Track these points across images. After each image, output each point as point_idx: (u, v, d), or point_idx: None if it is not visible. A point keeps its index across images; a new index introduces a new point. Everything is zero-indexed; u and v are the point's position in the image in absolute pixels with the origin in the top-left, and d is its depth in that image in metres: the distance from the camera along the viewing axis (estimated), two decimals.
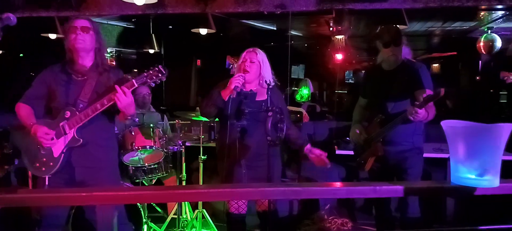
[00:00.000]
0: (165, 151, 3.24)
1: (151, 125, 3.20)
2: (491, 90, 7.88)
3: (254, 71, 2.70)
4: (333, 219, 3.62)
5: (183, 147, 3.40)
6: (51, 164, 2.45)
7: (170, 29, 7.44)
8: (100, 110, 2.41)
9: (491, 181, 1.24)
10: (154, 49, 6.71)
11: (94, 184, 2.47)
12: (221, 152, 2.70)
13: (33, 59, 7.78)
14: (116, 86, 2.35)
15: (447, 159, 3.65)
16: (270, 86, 2.52)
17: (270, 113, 2.20)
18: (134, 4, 3.60)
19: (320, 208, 3.83)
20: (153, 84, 2.43)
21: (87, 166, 2.50)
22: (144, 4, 3.74)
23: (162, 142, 3.20)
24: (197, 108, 3.43)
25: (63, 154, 2.46)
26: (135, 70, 8.19)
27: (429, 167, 3.10)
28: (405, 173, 2.86)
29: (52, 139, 2.43)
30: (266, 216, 2.70)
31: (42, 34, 5.90)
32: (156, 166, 3.21)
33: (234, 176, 2.70)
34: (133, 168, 3.20)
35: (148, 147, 3.14)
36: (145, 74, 2.39)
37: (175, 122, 3.46)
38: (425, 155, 3.03)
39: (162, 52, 7.66)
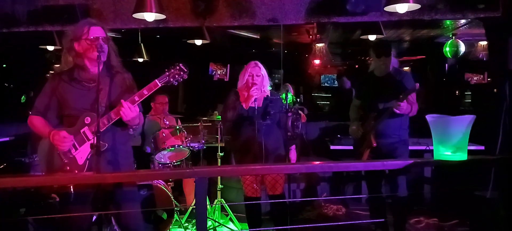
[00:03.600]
0: (190, 149, 3.65)
1: (178, 127, 3.60)
2: (457, 92, 8.59)
3: (260, 82, 3.22)
4: (329, 205, 4.08)
5: (205, 145, 3.80)
6: (76, 172, 2.36)
7: (157, 38, 7.73)
8: (115, 119, 2.38)
9: (461, 156, 1.75)
10: (143, 58, 6.99)
11: (117, 186, 2.41)
12: (243, 148, 3.17)
13: (15, 70, 7.94)
14: (122, 102, 2.33)
15: (424, 150, 4.24)
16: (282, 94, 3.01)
17: (289, 114, 2.67)
18: (137, 18, 3.91)
19: (318, 196, 4.30)
20: (176, 83, 2.44)
21: (110, 170, 2.40)
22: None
23: (187, 141, 3.60)
24: (215, 112, 3.84)
25: (88, 161, 2.38)
26: None
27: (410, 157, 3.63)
28: None
29: (73, 145, 2.36)
30: (276, 199, 3.16)
31: (40, 46, 6.13)
32: (179, 163, 3.54)
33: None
34: (160, 165, 3.55)
35: (176, 146, 3.54)
36: (167, 73, 2.40)
37: (198, 124, 3.84)
38: None
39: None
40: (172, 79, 2.41)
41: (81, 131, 2.41)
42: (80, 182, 2.02)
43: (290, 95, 6.41)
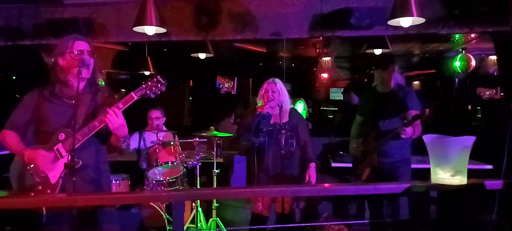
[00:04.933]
0: (185, 165, 3.57)
1: (172, 143, 3.53)
2: (469, 107, 8.41)
3: (276, 98, 3.16)
4: (330, 225, 3.96)
5: (200, 162, 3.72)
6: (49, 191, 2.27)
7: (164, 51, 7.75)
8: (99, 128, 2.31)
9: (461, 179, 1.64)
10: (150, 71, 7.00)
11: (97, 209, 2.33)
12: (247, 164, 3.12)
13: (24, 81, 8.04)
14: (107, 109, 2.25)
15: (429, 169, 4.09)
16: (282, 107, 2.96)
17: (283, 131, 2.60)
18: (138, 31, 3.90)
19: (319, 216, 4.18)
20: (153, 95, 2.34)
21: (87, 190, 2.35)
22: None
23: (181, 158, 3.54)
24: (211, 127, 3.76)
25: (61, 179, 2.30)
26: (123, 90, 8.58)
27: (413, 176, 3.49)
28: (396, 181, 3.25)
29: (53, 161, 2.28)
30: (284, 217, 3.10)
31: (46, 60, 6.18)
32: (174, 180, 3.47)
33: (257, 182, 3.13)
34: (154, 182, 3.49)
35: (170, 162, 3.47)
36: (144, 86, 2.32)
37: (193, 139, 3.75)
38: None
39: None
40: (148, 92, 2.32)
41: (55, 147, 2.34)
42: (50, 205, 1.95)
43: (304, 109, 6.35)
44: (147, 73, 6.94)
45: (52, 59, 2.44)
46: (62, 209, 2.17)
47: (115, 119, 2.25)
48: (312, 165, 3.24)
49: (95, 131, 2.33)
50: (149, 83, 2.33)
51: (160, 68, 7.73)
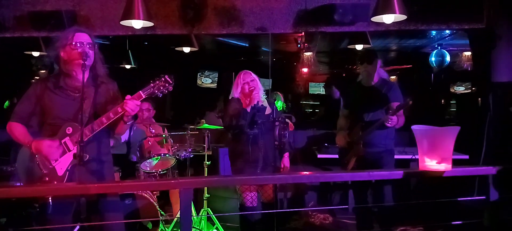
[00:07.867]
0: (177, 157, 3.61)
1: (164, 135, 3.56)
2: (442, 101, 8.72)
3: (257, 87, 3.27)
4: (316, 214, 4.09)
5: (192, 154, 3.75)
6: (55, 183, 2.29)
7: (145, 45, 7.69)
8: (106, 124, 2.32)
9: (446, 166, 1.77)
10: (131, 64, 6.96)
11: (100, 197, 2.35)
12: (233, 156, 3.17)
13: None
14: (127, 96, 2.28)
15: (410, 160, 4.27)
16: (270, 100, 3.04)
17: (277, 123, 2.67)
18: (125, 25, 3.88)
19: (305, 205, 4.30)
20: (160, 95, 2.36)
21: (94, 181, 2.33)
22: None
23: (174, 150, 3.57)
24: (202, 120, 3.81)
25: (68, 172, 2.33)
26: None
27: (395, 166, 3.65)
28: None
29: (61, 153, 2.31)
30: (270, 206, 3.16)
31: (26, 52, 6.05)
32: (165, 171, 3.49)
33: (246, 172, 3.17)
34: (145, 174, 3.51)
35: (162, 154, 3.49)
36: (152, 84, 2.33)
37: (185, 133, 3.77)
38: None
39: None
40: (156, 91, 2.35)
41: (62, 141, 2.35)
42: (63, 193, 1.98)
43: (281, 103, 6.44)
44: (128, 67, 6.89)
45: (55, 51, 2.43)
46: (67, 200, 2.20)
47: (134, 106, 2.28)
48: (286, 154, 3.36)
49: (108, 123, 2.34)
50: (157, 82, 2.35)
51: (141, 62, 7.68)
